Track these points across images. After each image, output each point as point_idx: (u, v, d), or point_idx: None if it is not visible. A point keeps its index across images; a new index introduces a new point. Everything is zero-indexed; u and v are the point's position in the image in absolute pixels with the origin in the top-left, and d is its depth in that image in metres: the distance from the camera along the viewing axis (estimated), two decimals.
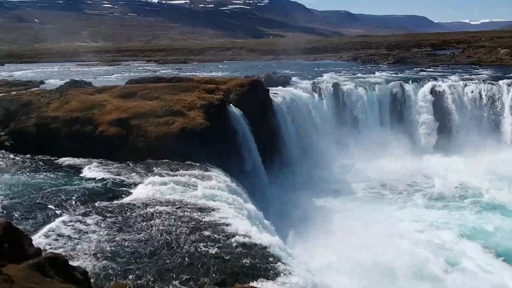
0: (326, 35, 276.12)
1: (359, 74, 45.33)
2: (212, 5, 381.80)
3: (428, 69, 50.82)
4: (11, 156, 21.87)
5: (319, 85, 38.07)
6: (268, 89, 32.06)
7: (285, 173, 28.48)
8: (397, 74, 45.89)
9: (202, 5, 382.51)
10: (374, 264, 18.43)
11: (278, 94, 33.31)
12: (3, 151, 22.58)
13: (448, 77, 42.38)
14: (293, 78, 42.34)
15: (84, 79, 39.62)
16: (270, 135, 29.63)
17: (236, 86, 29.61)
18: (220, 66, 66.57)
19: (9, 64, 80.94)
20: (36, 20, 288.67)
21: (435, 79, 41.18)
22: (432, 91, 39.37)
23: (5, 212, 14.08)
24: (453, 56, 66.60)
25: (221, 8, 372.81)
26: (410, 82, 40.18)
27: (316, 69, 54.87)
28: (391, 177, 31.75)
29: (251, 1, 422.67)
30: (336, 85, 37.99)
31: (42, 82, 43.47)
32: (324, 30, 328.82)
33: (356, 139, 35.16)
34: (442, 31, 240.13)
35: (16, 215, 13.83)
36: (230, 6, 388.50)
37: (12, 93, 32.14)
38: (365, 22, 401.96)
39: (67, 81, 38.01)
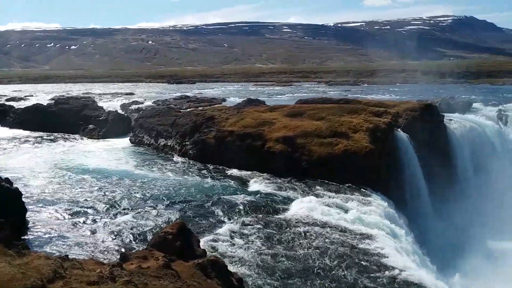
0: None
1: None
2: (389, 27, 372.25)
3: None
4: (192, 163, 24.95)
5: (506, 112, 33.41)
6: (443, 115, 29.52)
7: (456, 209, 25.51)
8: None
9: (377, 27, 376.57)
10: None
11: (454, 121, 30.41)
12: (186, 158, 25.94)
13: None
14: (475, 104, 38.19)
15: (258, 98, 42.83)
16: (442, 165, 27.08)
17: (406, 110, 28.07)
18: (391, 88, 64.23)
19: (200, 83, 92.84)
20: (225, 44, 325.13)
21: None
22: None
23: (181, 212, 16.07)
24: None
25: (398, 29, 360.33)
26: None
27: (504, 94, 48.43)
28: None
29: (432, 21, 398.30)
30: None
31: (224, 100, 48.59)
32: None
33: None
34: None
35: (189, 216, 15.64)
36: (408, 27, 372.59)
37: (199, 108, 36.77)
38: None
39: (244, 99, 41.70)
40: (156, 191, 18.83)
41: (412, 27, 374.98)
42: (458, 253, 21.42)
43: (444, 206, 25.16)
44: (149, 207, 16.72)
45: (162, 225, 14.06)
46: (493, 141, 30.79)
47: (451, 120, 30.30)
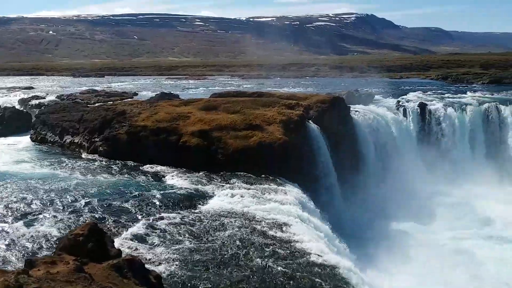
0: (415, 52, 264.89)
1: (448, 94, 42.77)
2: (298, 22, 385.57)
3: None
4: (103, 160, 23.77)
5: (403, 104, 36.50)
6: (349, 107, 31.42)
7: (362, 194, 27.42)
8: (493, 95, 42.49)
9: (287, 22, 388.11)
10: None
11: (359, 112, 32.49)
12: (97, 155, 24.65)
13: None
14: (377, 96, 41.05)
15: (172, 92, 41.96)
16: (349, 154, 28.87)
17: (316, 103, 29.40)
18: (302, 82, 66.69)
19: (109, 76, 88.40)
20: (135, 36, 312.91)
21: None
22: None
23: (93, 212, 15.26)
24: None
25: (307, 25, 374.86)
26: (508, 104, 36.98)
27: (401, 87, 52.76)
28: (482, 206, 29.13)
29: (337, 19, 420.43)
30: (422, 105, 36.17)
31: (135, 94, 46.78)
32: (413, 48, 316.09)
33: (442, 164, 32.96)
34: None
35: (102, 216, 14.92)
36: (316, 23, 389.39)
37: (109, 103, 35.06)
38: (459, 40, 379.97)
39: (157, 93, 40.60)
40: (64, 192, 17.62)
41: (320, 23, 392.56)
42: (364, 235, 23.05)
43: (352, 194, 26.83)
44: (56, 210, 15.63)
45: (72, 228, 13.23)
46: (393, 130, 33.47)
47: (357, 111, 32.32)
